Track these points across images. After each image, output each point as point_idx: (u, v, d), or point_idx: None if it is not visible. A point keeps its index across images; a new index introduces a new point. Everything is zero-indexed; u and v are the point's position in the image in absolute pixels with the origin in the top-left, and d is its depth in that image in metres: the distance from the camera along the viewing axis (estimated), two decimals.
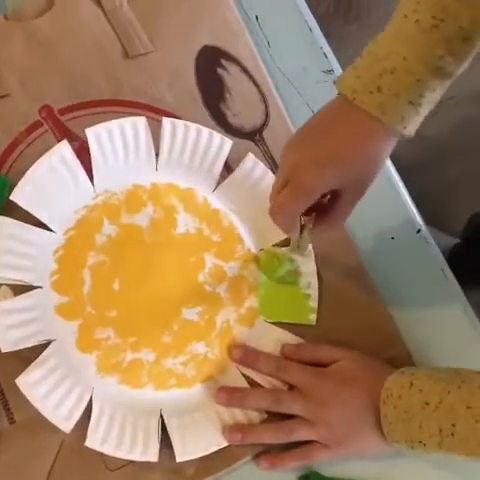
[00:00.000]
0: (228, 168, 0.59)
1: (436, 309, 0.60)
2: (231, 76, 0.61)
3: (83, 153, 0.54)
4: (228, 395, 0.52)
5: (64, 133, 0.56)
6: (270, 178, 0.58)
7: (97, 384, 0.51)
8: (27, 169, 0.52)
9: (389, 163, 0.63)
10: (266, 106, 0.61)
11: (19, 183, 0.51)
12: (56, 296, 0.52)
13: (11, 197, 0.51)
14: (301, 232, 0.51)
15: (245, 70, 0.61)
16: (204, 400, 0.53)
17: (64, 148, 0.53)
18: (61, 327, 0.51)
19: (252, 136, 0.61)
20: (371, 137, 0.46)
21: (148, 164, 0.57)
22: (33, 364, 0.48)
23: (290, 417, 0.52)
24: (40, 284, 0.51)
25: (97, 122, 0.55)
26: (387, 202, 0.62)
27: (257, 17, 0.64)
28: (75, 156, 0.54)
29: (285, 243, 0.57)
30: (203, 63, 0.61)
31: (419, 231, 0.62)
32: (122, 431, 0.49)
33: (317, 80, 0.64)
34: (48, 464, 0.49)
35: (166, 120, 0.56)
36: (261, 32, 0.64)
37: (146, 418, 0.51)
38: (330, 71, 0.64)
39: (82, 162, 0.54)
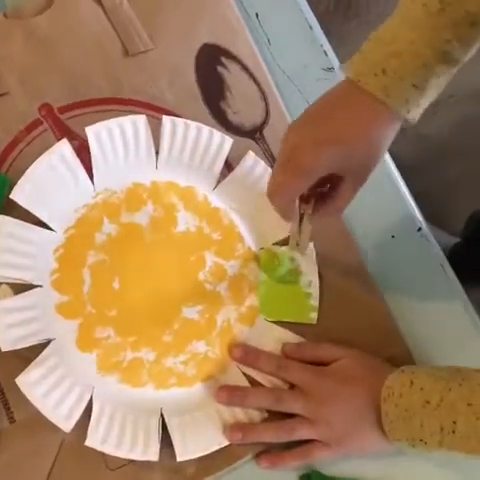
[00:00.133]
0: (228, 166, 0.59)
1: (436, 307, 0.60)
2: (231, 74, 0.61)
3: (83, 152, 0.54)
4: (229, 394, 0.52)
5: (64, 132, 0.56)
6: None
7: (97, 383, 0.51)
8: (27, 168, 0.52)
9: (389, 161, 0.63)
10: (266, 104, 0.61)
11: (19, 182, 0.51)
12: (56, 295, 0.52)
13: (11, 196, 0.51)
14: (300, 221, 0.50)
15: (245, 68, 0.61)
16: (205, 399, 0.53)
17: (64, 147, 0.53)
18: (61, 326, 0.51)
19: (252, 134, 0.60)
20: (374, 120, 0.45)
21: (148, 162, 0.57)
22: (33, 363, 0.48)
23: (291, 416, 0.52)
24: (40, 283, 0.51)
25: (97, 120, 0.54)
26: (388, 200, 0.62)
27: (257, 15, 0.64)
28: (75, 155, 0.53)
29: (285, 242, 0.57)
30: (203, 61, 0.61)
31: (420, 229, 0.62)
32: (122, 430, 0.49)
33: (317, 78, 0.63)
34: (48, 463, 0.49)
35: (166, 118, 0.56)
36: (261, 30, 0.64)
37: (146, 417, 0.50)
38: (330, 69, 0.64)
39: (82, 161, 0.54)
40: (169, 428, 0.50)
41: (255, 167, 0.58)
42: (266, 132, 0.61)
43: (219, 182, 0.58)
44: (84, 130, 0.54)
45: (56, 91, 0.57)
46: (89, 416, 0.49)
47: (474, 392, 0.46)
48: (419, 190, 0.68)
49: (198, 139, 0.57)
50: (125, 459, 0.49)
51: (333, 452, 0.52)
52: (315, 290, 0.57)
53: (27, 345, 0.49)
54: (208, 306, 0.55)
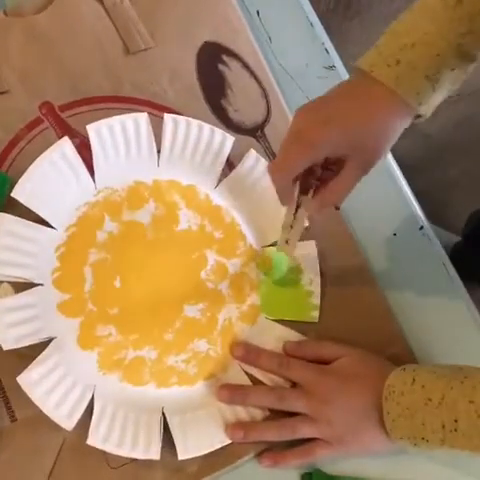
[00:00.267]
0: (230, 164, 0.58)
1: (438, 306, 0.60)
2: (232, 72, 0.61)
3: (84, 150, 0.54)
4: (230, 392, 0.52)
5: (65, 130, 0.56)
6: None
7: (99, 382, 0.51)
8: (28, 166, 0.51)
9: (391, 159, 0.63)
10: (267, 102, 0.61)
11: (20, 180, 0.51)
12: (57, 293, 0.52)
13: (12, 194, 0.50)
14: (295, 212, 0.50)
15: (246, 66, 0.61)
16: (206, 398, 0.53)
17: (65, 145, 0.53)
18: (62, 324, 0.51)
19: (254, 132, 0.60)
20: (384, 109, 0.45)
21: (150, 160, 0.56)
22: (34, 362, 0.48)
23: (293, 415, 0.52)
24: (41, 281, 0.51)
25: (98, 118, 0.54)
26: (389, 199, 0.62)
27: (258, 13, 0.64)
28: (76, 153, 0.53)
29: None
30: (204, 59, 0.60)
31: (421, 228, 0.62)
32: (124, 429, 0.49)
33: (319, 76, 0.63)
34: (49, 462, 0.49)
35: (168, 116, 0.56)
36: (262, 28, 0.64)
37: (148, 416, 0.50)
38: (332, 67, 0.64)
39: (83, 159, 0.54)
40: (170, 427, 0.50)
41: (256, 165, 0.58)
42: (267, 130, 0.60)
43: (221, 180, 0.58)
44: (85, 128, 0.54)
45: (57, 89, 0.57)
46: (90, 415, 0.49)
47: (476, 390, 0.46)
48: (420, 189, 0.68)
49: (199, 137, 0.57)
50: (126, 458, 0.49)
51: (335, 450, 0.52)
52: (316, 288, 0.57)
53: (28, 344, 0.48)
54: (210, 304, 0.55)
